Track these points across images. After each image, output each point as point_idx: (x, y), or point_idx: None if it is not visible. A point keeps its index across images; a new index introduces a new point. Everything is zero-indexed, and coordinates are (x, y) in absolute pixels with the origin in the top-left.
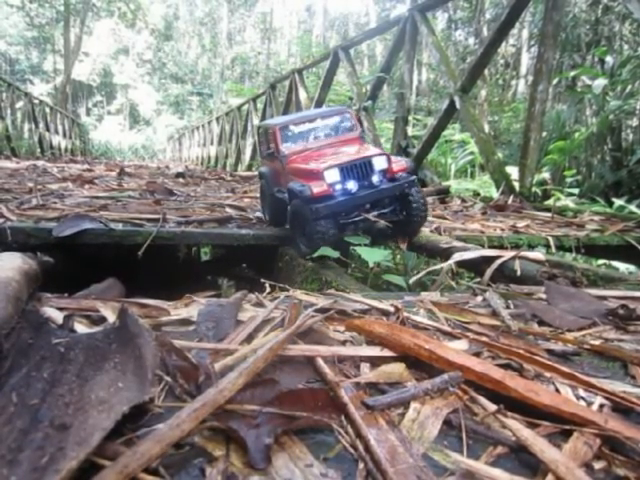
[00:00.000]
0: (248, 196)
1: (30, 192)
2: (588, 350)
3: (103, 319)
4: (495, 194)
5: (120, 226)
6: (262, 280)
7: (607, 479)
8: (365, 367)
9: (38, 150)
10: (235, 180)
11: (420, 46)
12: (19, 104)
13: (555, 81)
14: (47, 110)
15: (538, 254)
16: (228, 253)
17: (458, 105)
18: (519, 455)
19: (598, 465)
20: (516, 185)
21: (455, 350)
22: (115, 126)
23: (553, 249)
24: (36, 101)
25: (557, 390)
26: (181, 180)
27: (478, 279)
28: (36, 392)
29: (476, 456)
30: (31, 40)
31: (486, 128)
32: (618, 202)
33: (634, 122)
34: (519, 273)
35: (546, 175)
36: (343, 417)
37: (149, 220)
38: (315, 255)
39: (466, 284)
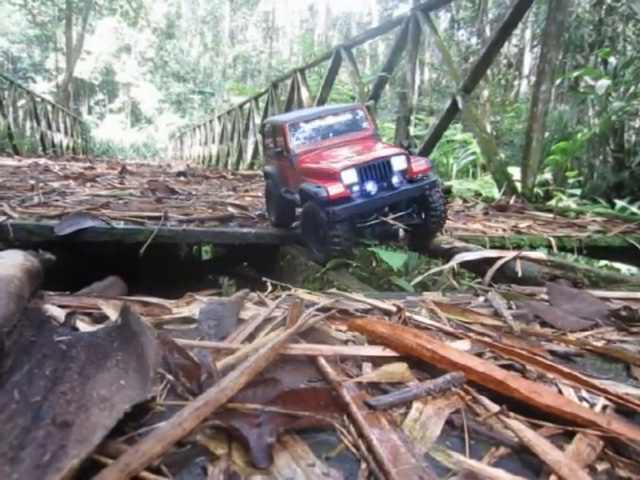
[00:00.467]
0: (250, 195)
1: (32, 190)
2: (590, 351)
3: (105, 317)
4: (497, 194)
5: (121, 224)
6: (263, 279)
7: None
8: (367, 367)
9: (40, 148)
10: (237, 179)
11: (422, 46)
12: (21, 102)
13: (558, 81)
14: (49, 108)
15: (540, 254)
16: (229, 252)
17: (460, 105)
18: (521, 456)
19: (601, 466)
20: (518, 185)
21: (457, 350)
22: (117, 124)
23: (555, 250)
24: (38, 99)
25: (560, 391)
26: (182, 179)
27: (480, 279)
28: (38, 390)
29: (478, 457)
30: (33, 38)
31: (488, 128)
32: (620, 203)
33: (637, 123)
34: (520, 274)
35: (548, 176)
36: (345, 417)
37: (150, 218)
38: (331, 265)
39: (468, 284)
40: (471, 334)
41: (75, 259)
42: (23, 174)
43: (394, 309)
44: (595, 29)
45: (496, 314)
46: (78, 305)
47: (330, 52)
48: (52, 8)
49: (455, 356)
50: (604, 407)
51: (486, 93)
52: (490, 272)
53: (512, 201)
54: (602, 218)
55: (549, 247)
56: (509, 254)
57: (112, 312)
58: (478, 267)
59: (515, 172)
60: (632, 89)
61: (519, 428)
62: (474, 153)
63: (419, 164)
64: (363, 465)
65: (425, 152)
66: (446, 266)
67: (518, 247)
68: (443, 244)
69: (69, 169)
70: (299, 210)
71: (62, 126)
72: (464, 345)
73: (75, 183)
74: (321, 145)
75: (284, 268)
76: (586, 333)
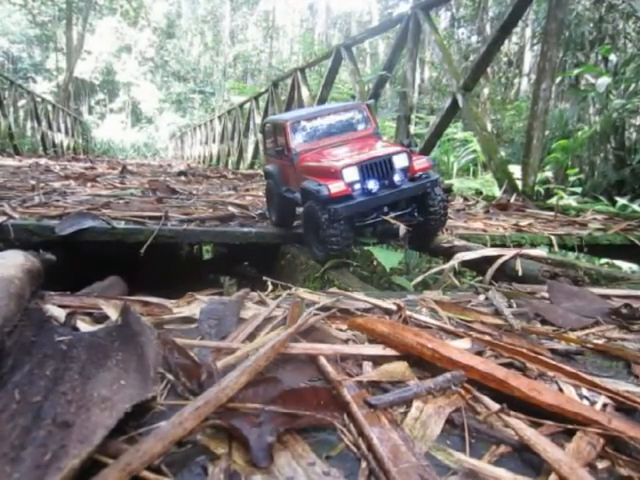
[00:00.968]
0: (250, 194)
1: (33, 190)
2: (591, 349)
3: (105, 317)
4: (497, 193)
5: (122, 224)
6: (264, 278)
7: (610, 479)
8: (368, 366)
9: (40, 148)
10: (237, 178)
11: (423, 44)
12: (21, 102)
13: (558, 79)
14: (49, 108)
15: (540, 251)
16: (230, 251)
17: (461, 103)
18: (522, 454)
19: (601, 465)
20: (519, 184)
21: (458, 349)
22: (117, 124)
23: (556, 248)
24: (38, 99)
25: (560, 389)
26: (183, 178)
27: (480, 278)
28: (39, 390)
29: (479, 455)
30: (34, 38)
31: (489, 126)
32: (621, 201)
33: (637, 121)
34: (521, 272)
35: (549, 174)
36: (345, 416)
37: (151, 218)
38: (329, 265)
39: (468, 283)
40: (472, 333)
41: (76, 259)
42: (24, 174)
43: (394, 308)
44: (595, 27)
45: (497, 313)
46: (79, 305)
47: (330, 51)
48: (52, 8)
49: (455, 355)
50: (605, 405)
51: (486, 91)
52: (490, 271)
53: (513, 199)
54: (603, 216)
55: (550, 245)
56: (509, 252)
57: (112, 312)
58: (479, 266)
59: (516, 170)
60: (633, 87)
61: (519, 427)
62: (475, 151)
63: (421, 162)
64: (363, 464)
65: (426, 151)
66: (447, 265)
67: (519, 245)
68: (444, 243)
69: (70, 169)
70: (300, 209)
71: (63, 126)
72: (465, 344)
73: (76, 183)
74: (322, 144)
75: (285, 267)
76: (587, 331)
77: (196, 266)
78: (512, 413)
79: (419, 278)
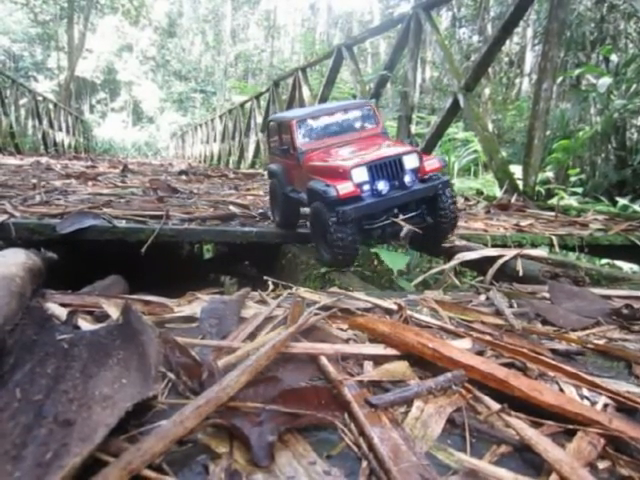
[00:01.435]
0: (251, 193)
1: (34, 189)
2: (592, 350)
3: (107, 316)
4: (498, 193)
5: (123, 223)
6: (265, 278)
7: (611, 479)
8: (368, 365)
9: (42, 147)
10: (238, 178)
11: (424, 44)
12: (23, 101)
13: (559, 79)
14: (51, 107)
15: (541, 251)
16: (231, 251)
17: (462, 103)
18: (523, 454)
19: (602, 465)
20: (520, 184)
21: (458, 349)
22: (118, 123)
23: (557, 248)
24: (40, 98)
25: (561, 390)
26: (184, 177)
27: (481, 278)
28: (40, 388)
29: (480, 455)
30: (35, 37)
31: (490, 126)
32: (622, 201)
33: (638, 121)
34: (521, 273)
35: (550, 174)
36: (346, 415)
37: (152, 217)
38: (338, 268)
39: (469, 283)
40: (472, 333)
41: (77, 258)
42: (25, 173)
43: (395, 308)
44: (597, 27)
45: (497, 313)
46: (80, 304)
47: (331, 51)
48: (54, 7)
49: (456, 354)
50: (605, 405)
51: (487, 91)
52: (491, 271)
53: (514, 199)
54: (604, 216)
55: (551, 245)
56: (510, 253)
57: (114, 311)
58: (479, 266)
59: (517, 170)
60: (634, 87)
61: (520, 426)
62: (476, 151)
63: (431, 163)
64: (364, 463)
65: (427, 151)
66: (447, 265)
67: (520, 246)
68: (444, 243)
69: (71, 168)
70: (304, 210)
71: (64, 125)
72: (465, 344)
73: (77, 182)
74: (329, 143)
75: (285, 267)
76: (587, 331)
77: (197, 265)
78: (513, 413)
79: (419, 278)
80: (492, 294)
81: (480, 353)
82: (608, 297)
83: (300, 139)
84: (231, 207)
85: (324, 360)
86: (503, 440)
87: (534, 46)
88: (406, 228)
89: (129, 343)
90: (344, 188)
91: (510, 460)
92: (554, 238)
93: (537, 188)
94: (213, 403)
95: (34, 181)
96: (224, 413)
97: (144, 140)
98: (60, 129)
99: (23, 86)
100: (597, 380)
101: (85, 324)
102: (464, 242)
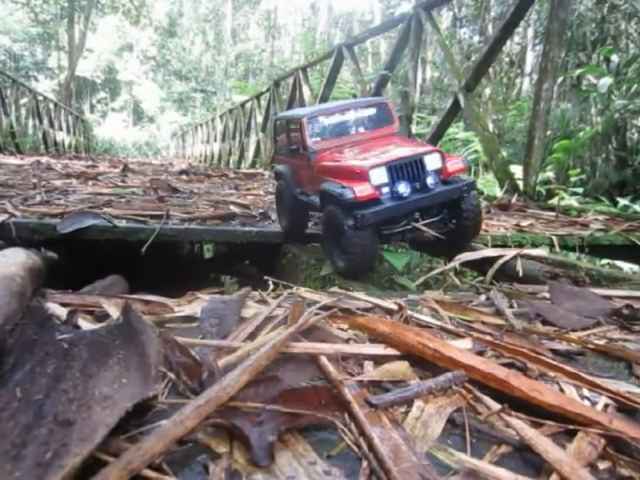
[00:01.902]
0: (251, 193)
1: (34, 188)
2: (592, 350)
3: (107, 315)
4: (499, 193)
5: (124, 223)
6: (265, 277)
7: (612, 479)
8: (369, 365)
9: (42, 146)
10: (238, 177)
11: (424, 44)
12: (23, 100)
13: (560, 80)
14: (51, 106)
15: (541, 251)
16: (231, 250)
17: (462, 103)
18: (523, 455)
19: (603, 465)
20: (520, 184)
21: (459, 349)
22: (119, 123)
23: (557, 248)
24: (40, 97)
25: (561, 390)
26: (184, 177)
27: (481, 278)
28: (40, 388)
29: (480, 455)
30: (35, 36)
31: (490, 127)
32: (622, 201)
33: (639, 121)
34: (521, 273)
35: (550, 174)
36: (346, 415)
37: (152, 217)
38: (354, 277)
39: (469, 283)
40: (473, 333)
41: (77, 257)
42: (25, 172)
43: (396, 308)
44: (597, 27)
45: (498, 313)
46: (80, 303)
47: (332, 50)
48: (54, 6)
49: (457, 354)
50: (606, 406)
51: (488, 91)
52: (491, 271)
53: (514, 200)
54: (604, 216)
55: (551, 245)
56: (510, 253)
57: (114, 310)
58: (480, 266)
59: (517, 170)
60: (635, 87)
61: (520, 427)
62: (476, 151)
63: (455, 163)
64: (364, 463)
65: None
66: (448, 266)
67: (520, 246)
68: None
69: (71, 167)
70: (310, 213)
71: (64, 124)
72: (466, 344)
73: (77, 181)
74: (342, 142)
75: (286, 266)
76: (588, 332)
77: (197, 265)
78: (513, 413)
79: (421, 279)
80: (492, 294)
81: (480, 353)
82: (608, 297)
83: (311, 138)
84: (231, 207)
85: (324, 360)
86: (503, 440)
87: (535, 46)
88: (434, 235)
89: (129, 343)
90: (362, 190)
91: (510, 460)
92: (554, 238)
93: (537, 188)
94: (213, 403)
95: (34, 181)
96: (224, 413)
97: (144, 140)
98: (60, 129)
99: (24, 86)
100: (597, 380)
101: (85, 324)
102: None
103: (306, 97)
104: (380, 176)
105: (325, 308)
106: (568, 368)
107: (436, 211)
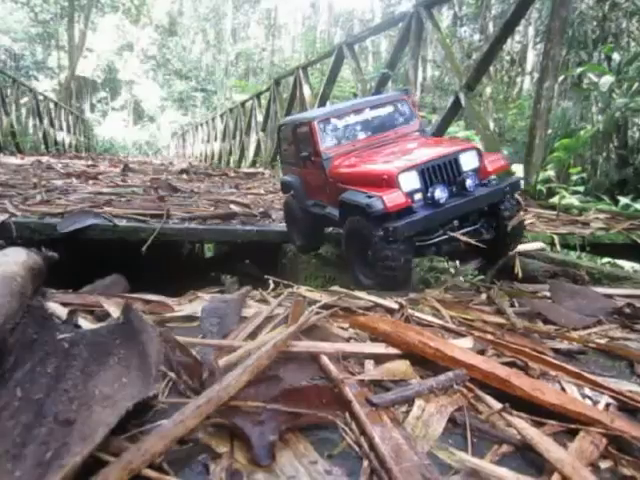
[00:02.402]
0: (252, 192)
1: (34, 188)
2: (594, 349)
3: (107, 315)
4: None
5: (124, 222)
6: (266, 277)
7: (613, 479)
8: (369, 364)
9: (42, 146)
10: (239, 177)
11: (425, 43)
12: (24, 100)
13: (561, 78)
14: (51, 106)
15: (539, 244)
16: (231, 250)
17: (463, 102)
18: (524, 454)
19: (604, 464)
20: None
21: (460, 348)
22: (119, 122)
23: (558, 247)
24: (41, 97)
25: (563, 389)
26: (185, 176)
27: (482, 276)
28: (40, 387)
29: (481, 454)
30: (35, 36)
31: (491, 125)
32: (623, 200)
33: None
34: (520, 275)
35: (551, 173)
36: (347, 414)
37: (153, 216)
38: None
39: (470, 282)
40: (474, 331)
41: (77, 257)
42: (26, 172)
43: (396, 306)
44: (599, 25)
45: (499, 312)
46: (80, 303)
47: (332, 49)
48: (54, 6)
49: (458, 354)
50: (607, 405)
51: (489, 90)
52: (492, 270)
53: None
54: (605, 215)
55: (552, 244)
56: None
57: (114, 310)
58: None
59: (518, 169)
60: (636, 85)
61: (522, 426)
62: None
63: (494, 161)
64: (365, 463)
65: None
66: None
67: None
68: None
69: (71, 167)
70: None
71: (64, 124)
72: (467, 343)
73: (77, 181)
74: (359, 145)
75: (286, 266)
76: (589, 330)
77: (197, 264)
78: (514, 412)
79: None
80: (493, 293)
81: (481, 352)
82: (610, 296)
83: (324, 143)
84: (232, 206)
85: (325, 359)
86: (505, 440)
87: (536, 45)
88: (475, 244)
89: (130, 342)
90: (393, 199)
91: (512, 460)
92: (555, 237)
93: (538, 187)
94: (214, 402)
95: (35, 180)
96: (225, 412)
97: (145, 139)
98: (61, 128)
99: (24, 85)
100: (599, 379)
101: (86, 323)
102: None
103: (306, 96)
104: (411, 181)
105: (326, 307)
106: (569, 367)
107: (477, 217)
